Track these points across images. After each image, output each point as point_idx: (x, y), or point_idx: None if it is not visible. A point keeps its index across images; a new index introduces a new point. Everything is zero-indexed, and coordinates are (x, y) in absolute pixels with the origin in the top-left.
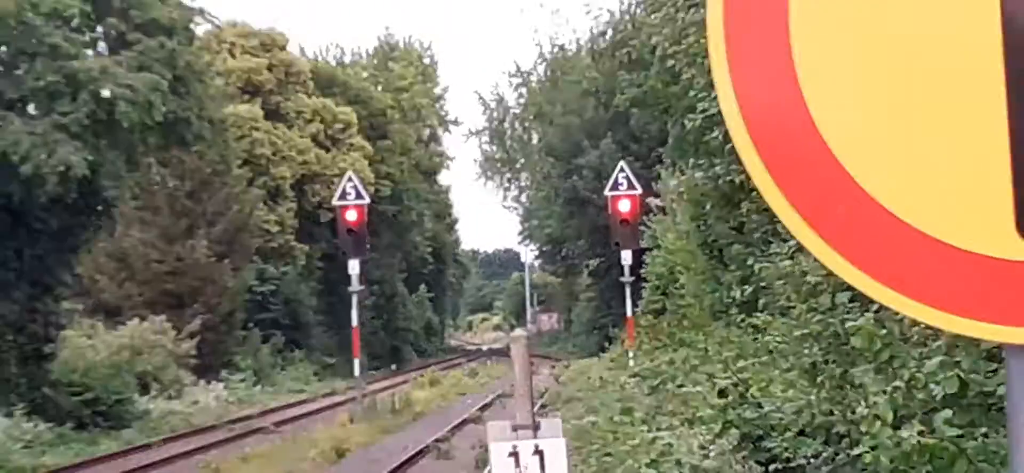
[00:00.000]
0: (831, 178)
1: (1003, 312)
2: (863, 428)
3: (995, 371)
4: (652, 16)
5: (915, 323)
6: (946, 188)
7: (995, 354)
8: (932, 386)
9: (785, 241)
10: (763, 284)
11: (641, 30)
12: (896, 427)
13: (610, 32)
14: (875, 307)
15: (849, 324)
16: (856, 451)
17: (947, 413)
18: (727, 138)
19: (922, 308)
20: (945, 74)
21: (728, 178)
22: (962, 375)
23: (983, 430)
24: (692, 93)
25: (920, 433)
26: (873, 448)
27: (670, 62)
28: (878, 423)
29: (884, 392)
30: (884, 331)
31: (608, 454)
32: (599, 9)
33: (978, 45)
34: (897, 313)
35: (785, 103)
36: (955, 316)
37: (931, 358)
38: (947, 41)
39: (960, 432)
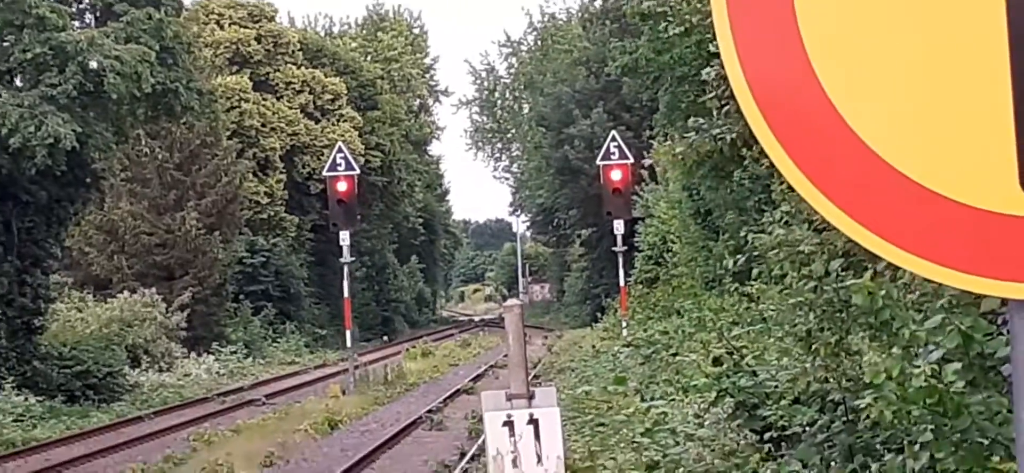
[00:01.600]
0: (835, 135)
1: (1007, 268)
2: (867, 378)
3: (993, 334)
4: None
5: (909, 289)
6: (950, 144)
7: (994, 316)
8: (931, 345)
9: (777, 208)
10: (756, 253)
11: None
12: (900, 383)
13: (600, 1)
14: (869, 275)
15: (849, 282)
16: (860, 403)
17: (955, 365)
18: (722, 99)
19: (926, 264)
20: (948, 31)
21: (721, 137)
22: (963, 329)
23: (985, 393)
24: (683, 67)
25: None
26: (875, 400)
27: (662, 23)
28: (883, 376)
29: (885, 353)
30: (883, 291)
31: (602, 423)
32: None
33: (981, 1)
34: (895, 277)
35: (789, 62)
36: (959, 272)
37: (930, 318)
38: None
39: (963, 389)
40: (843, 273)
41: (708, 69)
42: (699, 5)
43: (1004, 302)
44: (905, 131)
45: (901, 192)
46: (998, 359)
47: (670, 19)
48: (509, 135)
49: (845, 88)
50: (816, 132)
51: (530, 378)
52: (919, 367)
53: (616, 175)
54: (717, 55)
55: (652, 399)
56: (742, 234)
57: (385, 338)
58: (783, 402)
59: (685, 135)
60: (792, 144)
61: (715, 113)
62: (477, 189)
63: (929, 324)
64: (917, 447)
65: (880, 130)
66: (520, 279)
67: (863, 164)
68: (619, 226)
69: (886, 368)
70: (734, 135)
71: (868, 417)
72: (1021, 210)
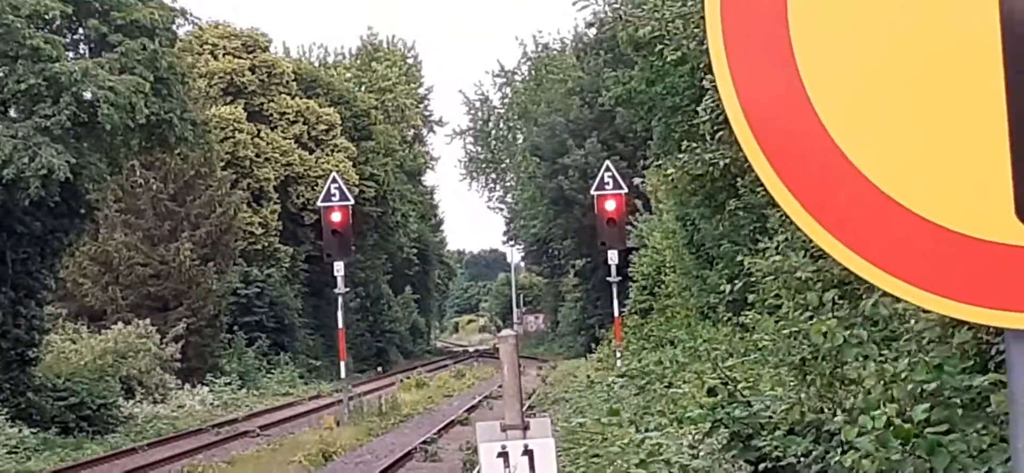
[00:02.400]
0: (830, 164)
1: (1003, 297)
2: (843, 437)
3: (967, 368)
4: (638, 8)
5: (876, 325)
6: (945, 173)
7: (968, 350)
8: (907, 383)
9: (773, 237)
10: (751, 280)
11: (627, 24)
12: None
13: (594, 31)
14: (865, 307)
15: (809, 324)
16: (845, 460)
17: (924, 404)
18: (715, 125)
19: (922, 293)
20: (944, 59)
21: (714, 162)
22: (930, 364)
23: (966, 429)
24: (676, 97)
25: (896, 417)
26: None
27: (658, 47)
28: (854, 430)
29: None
30: (846, 332)
31: (597, 455)
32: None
33: (977, 30)
34: (893, 306)
35: (784, 88)
36: (955, 301)
37: (904, 356)
38: (946, 26)
39: (940, 427)
40: (839, 302)
41: (705, 102)
42: (696, 31)
43: (999, 332)
44: (901, 160)
45: (897, 221)
46: (975, 392)
47: (666, 43)
48: (503, 165)
49: (841, 117)
50: (811, 160)
51: (525, 409)
52: (880, 413)
53: (610, 205)
54: (711, 87)
55: (647, 430)
56: (738, 260)
57: (379, 369)
58: (777, 433)
59: (678, 158)
60: (787, 172)
61: (708, 138)
62: (471, 219)
63: (900, 366)
64: None
65: (876, 159)
66: (514, 309)
67: (858, 193)
68: (613, 256)
69: (857, 420)
70: (727, 161)
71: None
72: (1017, 239)
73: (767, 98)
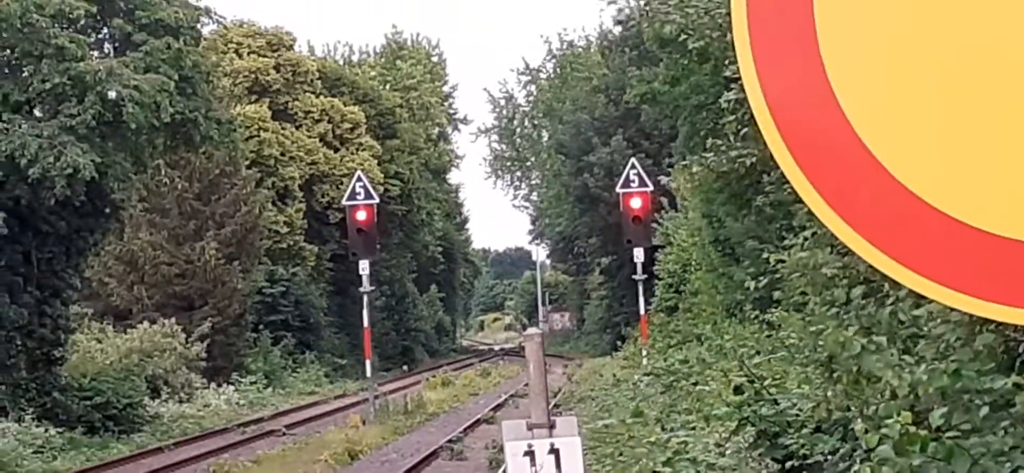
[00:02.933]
0: (856, 161)
1: None
2: (863, 444)
3: (991, 370)
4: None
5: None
6: (973, 171)
7: (994, 350)
8: (928, 386)
9: (799, 233)
10: (777, 277)
11: (654, 20)
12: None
13: (619, 28)
14: (891, 301)
15: (827, 332)
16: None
17: (942, 409)
18: (741, 124)
19: (949, 292)
20: (972, 54)
21: (741, 159)
22: (948, 371)
23: (989, 433)
24: (700, 95)
25: (913, 424)
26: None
27: (681, 37)
28: (875, 437)
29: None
30: (864, 339)
31: (623, 453)
32: None
33: (1006, 24)
34: (913, 312)
35: (810, 85)
36: (981, 300)
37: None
38: (975, 19)
39: (958, 430)
40: (865, 300)
41: (727, 95)
42: (721, 23)
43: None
44: (927, 157)
45: (924, 220)
46: (998, 394)
47: (690, 33)
48: (528, 163)
49: (866, 112)
50: (836, 156)
51: (551, 407)
52: (894, 420)
53: (636, 203)
54: (734, 80)
55: (673, 428)
56: (764, 257)
57: (405, 367)
58: (804, 431)
59: (704, 156)
60: (812, 168)
61: (732, 137)
62: (496, 217)
63: (921, 370)
64: None
65: (902, 156)
66: (540, 308)
67: (884, 190)
68: (639, 254)
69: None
70: (754, 159)
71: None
72: None
73: (792, 93)
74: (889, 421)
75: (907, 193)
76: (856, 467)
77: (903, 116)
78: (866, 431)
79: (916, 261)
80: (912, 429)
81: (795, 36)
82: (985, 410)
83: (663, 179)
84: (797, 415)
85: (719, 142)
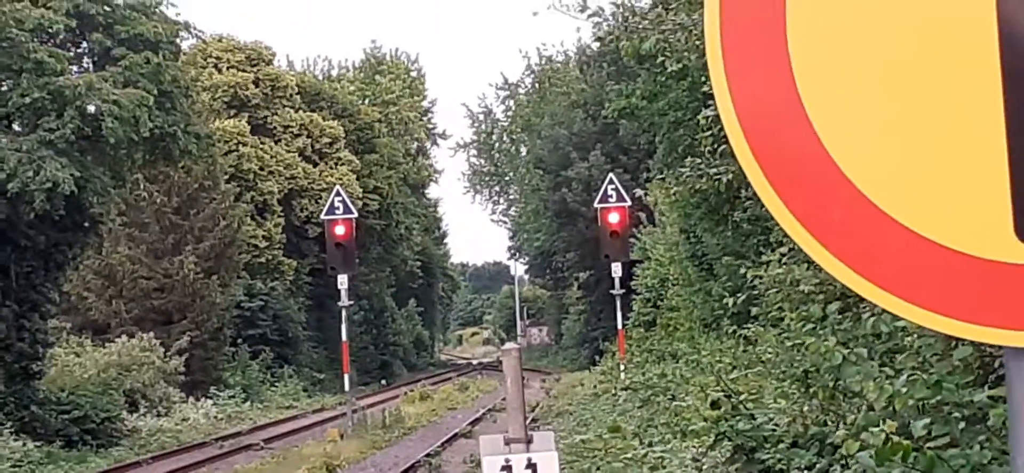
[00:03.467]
0: (828, 180)
1: (1002, 315)
2: (844, 450)
3: (969, 383)
4: (641, 21)
5: (880, 339)
6: (944, 191)
7: (970, 365)
8: (908, 398)
9: (775, 249)
10: (755, 293)
11: (631, 36)
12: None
13: (598, 44)
14: (870, 319)
15: (807, 342)
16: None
17: (924, 420)
18: (717, 140)
19: (920, 311)
20: (942, 76)
21: (717, 177)
22: (929, 382)
23: (968, 447)
24: (678, 112)
25: (896, 432)
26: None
27: (659, 59)
28: (856, 444)
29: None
30: (845, 350)
31: (600, 468)
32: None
33: (975, 47)
34: (894, 323)
35: (782, 104)
36: (954, 319)
37: (905, 372)
38: (944, 42)
39: (940, 441)
40: (841, 316)
41: (704, 112)
42: (697, 44)
43: (1000, 348)
44: (899, 177)
45: (895, 239)
46: (977, 407)
47: (668, 54)
48: (507, 178)
49: (839, 135)
50: (809, 177)
51: (528, 422)
52: (878, 429)
53: (614, 218)
54: (712, 97)
55: (650, 443)
56: (741, 272)
57: (383, 382)
58: (781, 445)
59: (681, 171)
60: (784, 187)
61: (709, 154)
62: (475, 232)
63: (898, 384)
64: None
65: (874, 176)
66: (518, 322)
67: (857, 210)
68: (617, 269)
69: (857, 434)
70: (730, 176)
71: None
72: (1016, 258)
73: (764, 112)
74: (871, 430)
75: (878, 212)
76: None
77: (874, 135)
78: (846, 438)
79: (888, 280)
80: (896, 439)
81: (767, 55)
82: (963, 423)
83: (640, 194)
84: (774, 430)
85: (697, 160)
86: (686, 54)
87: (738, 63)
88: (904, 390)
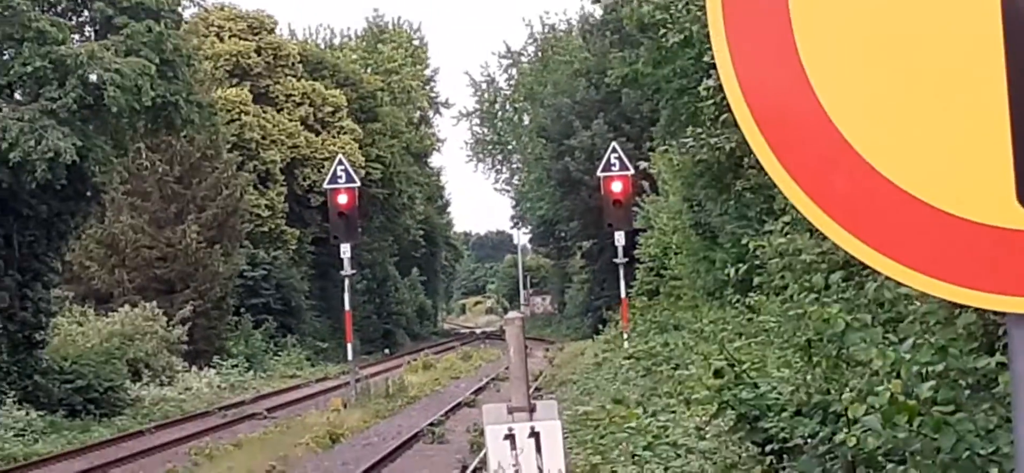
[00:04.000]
0: (831, 147)
1: (1005, 281)
2: (849, 414)
3: (973, 350)
4: None
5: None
6: (946, 157)
7: (974, 332)
8: (912, 364)
9: (778, 218)
10: (758, 262)
11: (634, 3)
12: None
13: (600, 11)
14: (874, 287)
15: (810, 309)
16: (849, 439)
17: (931, 382)
18: (720, 109)
19: (923, 278)
20: (945, 43)
21: (718, 146)
22: (935, 345)
23: (974, 410)
24: (682, 80)
25: (902, 394)
26: (854, 421)
27: (661, 31)
28: (862, 407)
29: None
30: (849, 317)
31: (604, 437)
32: None
33: (978, 13)
34: (897, 290)
35: (785, 72)
36: (956, 286)
37: (909, 338)
38: (946, 9)
39: (946, 406)
40: (844, 284)
41: (706, 81)
42: (699, 14)
43: (1002, 316)
44: (902, 144)
45: (898, 206)
46: (981, 374)
47: (670, 26)
48: (510, 147)
49: (841, 100)
50: (812, 145)
51: (531, 391)
52: (884, 389)
53: (617, 186)
54: (715, 67)
55: (654, 412)
56: (744, 241)
57: (386, 351)
58: (784, 414)
59: (683, 142)
60: (787, 156)
61: (711, 123)
62: (478, 201)
63: (905, 347)
64: (915, 461)
65: (876, 143)
66: (521, 291)
67: (859, 177)
68: (620, 238)
69: (863, 397)
70: (732, 144)
71: (857, 445)
72: (1018, 224)
73: (767, 80)
74: (876, 390)
75: (881, 179)
76: (840, 436)
77: (877, 102)
78: (853, 401)
79: (891, 247)
80: (901, 399)
81: (769, 23)
82: (968, 390)
83: (643, 163)
84: (777, 399)
85: (699, 130)
86: (689, 25)
87: (740, 30)
88: (908, 356)
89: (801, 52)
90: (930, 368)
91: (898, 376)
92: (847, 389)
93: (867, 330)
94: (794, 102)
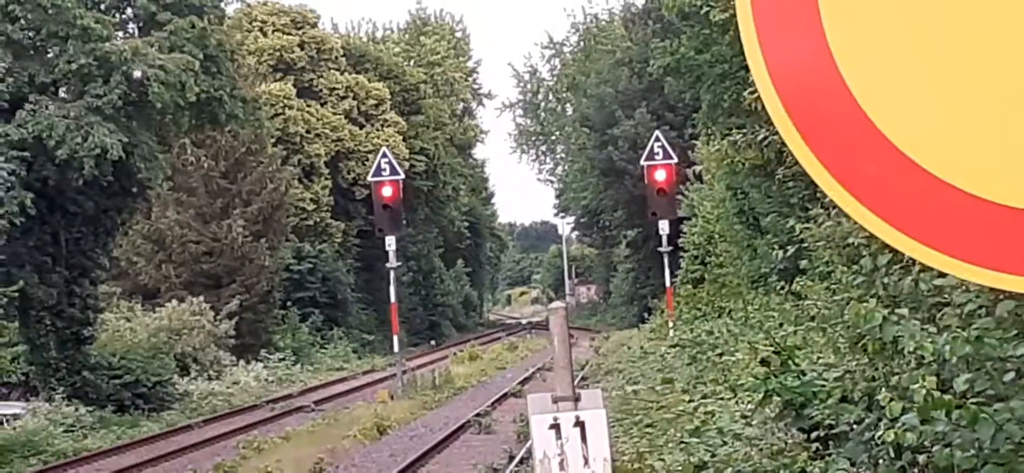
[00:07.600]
0: (861, 135)
1: None
2: (888, 413)
3: (1015, 336)
4: None
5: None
6: (978, 142)
7: (1016, 319)
8: (950, 355)
9: (822, 203)
10: (804, 246)
11: None
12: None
13: (642, 0)
14: (917, 268)
15: (845, 297)
16: (887, 435)
17: (967, 375)
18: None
19: (959, 264)
20: (976, 26)
21: (766, 143)
22: (970, 338)
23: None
24: (724, 65)
25: (937, 388)
26: (893, 419)
27: (705, 9)
28: (899, 404)
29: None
30: (886, 312)
31: (650, 425)
32: None
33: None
34: (933, 281)
35: (814, 61)
36: (990, 270)
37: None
38: None
39: (982, 397)
40: (891, 268)
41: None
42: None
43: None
44: (934, 129)
45: (930, 192)
46: (1021, 360)
47: (713, 4)
48: (553, 137)
49: (871, 89)
50: (842, 131)
51: (578, 380)
52: (920, 386)
53: (660, 175)
54: None
55: (700, 399)
56: (789, 227)
57: (432, 342)
58: (830, 401)
59: (727, 133)
60: (818, 143)
61: (751, 107)
62: (522, 192)
63: (941, 341)
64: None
65: (906, 128)
66: (566, 281)
67: (890, 163)
68: (664, 226)
69: (901, 393)
70: (780, 142)
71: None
72: None
73: (796, 68)
74: (913, 387)
75: (914, 166)
76: (881, 433)
77: (908, 89)
78: (891, 399)
79: (927, 235)
80: (936, 394)
81: (798, 12)
82: (1010, 376)
83: (688, 153)
84: (823, 386)
85: (743, 124)
86: (732, 5)
87: (769, 21)
88: (947, 347)
89: (829, 38)
90: (967, 358)
91: (941, 365)
92: (889, 378)
93: (904, 323)
94: (823, 89)
